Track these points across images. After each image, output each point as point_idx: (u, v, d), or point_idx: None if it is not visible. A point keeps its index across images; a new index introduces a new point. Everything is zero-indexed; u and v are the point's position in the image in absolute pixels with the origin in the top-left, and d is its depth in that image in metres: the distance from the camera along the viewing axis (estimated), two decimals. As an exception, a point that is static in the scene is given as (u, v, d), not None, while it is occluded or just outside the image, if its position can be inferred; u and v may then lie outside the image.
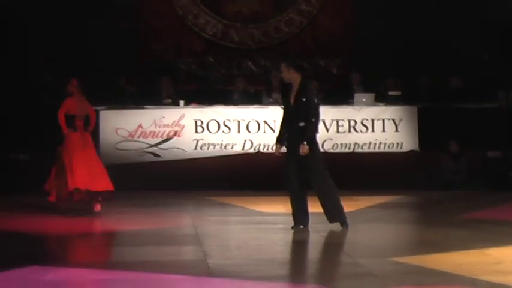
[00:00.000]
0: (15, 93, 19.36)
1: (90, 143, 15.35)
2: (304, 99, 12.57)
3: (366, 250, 11.47)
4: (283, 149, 12.83)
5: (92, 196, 15.00)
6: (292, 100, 12.65)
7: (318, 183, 12.70)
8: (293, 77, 12.65)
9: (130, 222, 14.19)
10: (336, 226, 12.68)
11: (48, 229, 13.30)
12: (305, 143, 12.42)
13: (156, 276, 9.60)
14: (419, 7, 21.59)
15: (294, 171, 12.62)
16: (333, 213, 12.68)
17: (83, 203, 15.03)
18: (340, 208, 12.74)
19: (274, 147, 13.23)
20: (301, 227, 12.65)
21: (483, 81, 20.28)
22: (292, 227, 12.69)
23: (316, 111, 12.79)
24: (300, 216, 12.68)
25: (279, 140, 12.86)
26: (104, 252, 12.36)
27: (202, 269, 9.93)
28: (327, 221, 12.64)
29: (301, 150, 12.41)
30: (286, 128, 12.78)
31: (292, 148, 12.55)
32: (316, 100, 12.79)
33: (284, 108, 12.93)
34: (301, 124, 12.53)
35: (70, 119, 15.24)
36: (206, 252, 11.12)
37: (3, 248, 11.61)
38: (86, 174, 14.88)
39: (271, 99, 18.82)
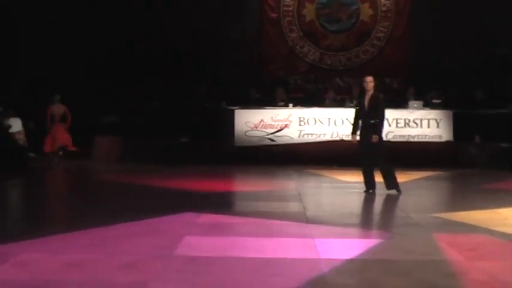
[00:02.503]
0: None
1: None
2: (375, 105, 12.50)
3: (415, 208, 11.30)
4: (357, 138, 12.74)
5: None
6: (366, 104, 12.53)
7: (381, 162, 12.58)
8: (371, 88, 12.55)
9: (253, 185, 14.22)
10: (392, 192, 12.53)
11: (194, 188, 13.36)
12: (376, 135, 12.39)
13: (270, 221, 9.61)
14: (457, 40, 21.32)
15: (365, 153, 12.52)
16: (390, 183, 12.54)
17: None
18: (395, 180, 12.57)
19: (350, 137, 13.15)
20: (370, 191, 12.53)
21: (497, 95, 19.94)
22: (364, 191, 12.59)
23: (383, 113, 12.74)
24: (369, 184, 12.58)
25: (353, 132, 12.85)
26: (234, 205, 12.44)
27: (302, 218, 9.90)
28: (386, 188, 12.52)
29: (373, 140, 12.35)
30: (358, 124, 12.68)
31: (366, 138, 12.45)
32: (383, 106, 12.72)
33: (357, 110, 12.83)
34: (372, 121, 12.46)
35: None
36: (305, 207, 11.10)
37: (165, 200, 11.79)
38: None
39: (351, 104, 18.64)
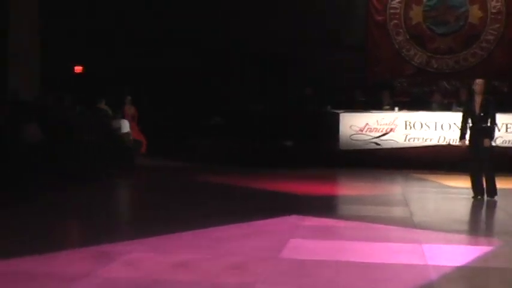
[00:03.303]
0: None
1: None
2: (487, 108, 12.22)
3: (525, 215, 11.02)
4: (466, 143, 12.43)
5: None
6: (476, 108, 12.23)
7: (488, 167, 12.24)
8: (481, 91, 12.28)
9: (358, 189, 14.13)
10: (506, 198, 12.22)
11: (299, 191, 13.35)
12: (488, 139, 12.13)
13: (376, 225, 9.52)
14: None
15: (476, 158, 12.23)
16: (493, 189, 12.24)
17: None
18: (495, 186, 12.25)
19: (459, 142, 12.82)
20: (479, 197, 12.24)
21: None
22: (472, 197, 12.30)
23: (495, 117, 12.42)
24: (478, 189, 12.29)
25: (462, 137, 12.50)
26: (339, 208, 12.38)
27: (409, 223, 9.77)
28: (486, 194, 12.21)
29: (485, 144, 12.10)
30: (467, 129, 12.41)
31: (477, 143, 12.16)
32: (495, 109, 12.43)
33: (465, 114, 12.53)
34: (484, 125, 12.19)
35: None
36: (411, 212, 10.95)
37: (270, 202, 11.83)
38: None
39: (458, 108, 18.25)
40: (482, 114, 12.22)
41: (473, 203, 12.08)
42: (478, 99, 12.30)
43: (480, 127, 12.21)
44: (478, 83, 12.36)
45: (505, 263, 7.34)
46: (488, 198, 12.21)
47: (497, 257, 7.67)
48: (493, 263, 7.34)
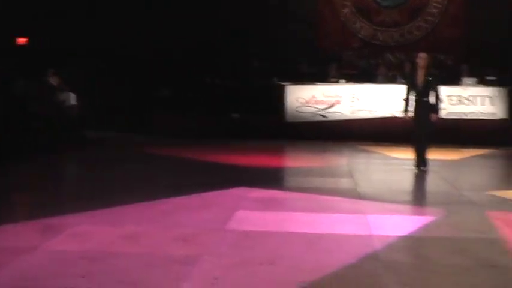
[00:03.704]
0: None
1: None
2: (431, 83, 12.30)
3: (468, 185, 11.23)
4: (409, 114, 12.45)
5: None
6: (420, 82, 12.29)
7: (428, 139, 12.41)
8: (425, 65, 12.35)
9: (304, 161, 14.22)
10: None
11: (246, 163, 13.39)
12: (435, 114, 12.28)
13: (322, 197, 9.63)
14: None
15: (419, 130, 12.35)
16: (425, 160, 12.42)
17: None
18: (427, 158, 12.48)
19: (403, 114, 12.69)
20: (422, 168, 12.44)
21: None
22: (416, 167, 12.48)
23: (439, 92, 12.47)
24: (422, 161, 12.48)
25: (406, 109, 12.49)
26: (286, 180, 12.48)
27: (354, 194, 9.91)
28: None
29: (433, 119, 12.23)
30: (410, 101, 12.45)
31: (420, 115, 12.25)
32: (439, 83, 12.55)
33: (409, 87, 12.53)
34: (426, 99, 12.25)
35: None
36: (356, 183, 11.09)
37: (217, 175, 11.86)
38: None
39: (402, 80, 18.46)
40: (425, 88, 12.30)
41: (417, 174, 12.24)
42: (421, 73, 12.38)
43: (423, 100, 12.29)
44: (422, 57, 12.44)
45: (447, 232, 7.48)
46: (422, 168, 12.37)
47: (440, 226, 7.82)
48: (436, 233, 7.48)
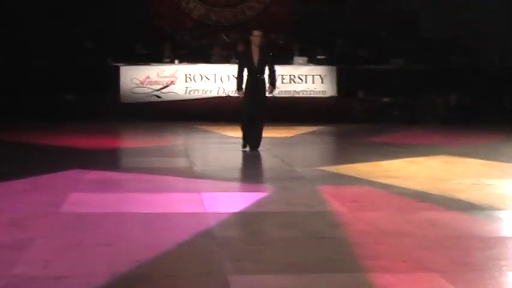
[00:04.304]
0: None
1: None
2: (267, 60, 12.30)
3: (299, 161, 11.61)
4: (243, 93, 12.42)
5: None
6: (256, 60, 12.20)
7: (263, 119, 12.41)
8: (260, 42, 12.23)
9: (140, 141, 14.20)
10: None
11: (80, 145, 13.22)
12: (273, 88, 12.34)
13: (157, 177, 9.68)
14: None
15: (249, 109, 12.23)
16: (260, 141, 12.47)
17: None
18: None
19: (237, 93, 12.70)
20: (247, 148, 12.43)
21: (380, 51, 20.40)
22: (243, 148, 12.52)
23: (275, 70, 12.51)
24: (249, 140, 12.47)
25: (239, 88, 12.41)
26: (121, 161, 12.42)
27: (189, 173, 10.01)
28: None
29: (270, 92, 12.29)
30: (243, 79, 12.37)
31: (255, 94, 12.19)
32: (274, 60, 12.64)
33: (242, 65, 12.41)
34: (263, 77, 12.27)
35: None
36: (192, 162, 11.20)
37: (51, 158, 11.66)
38: None
39: (236, 60, 18.73)
40: (260, 66, 12.24)
41: (249, 152, 12.43)
42: (256, 51, 12.29)
43: (258, 78, 12.28)
44: (256, 35, 12.30)
45: (279, 207, 7.70)
46: (257, 149, 12.37)
47: (272, 202, 8.04)
48: (268, 208, 7.68)
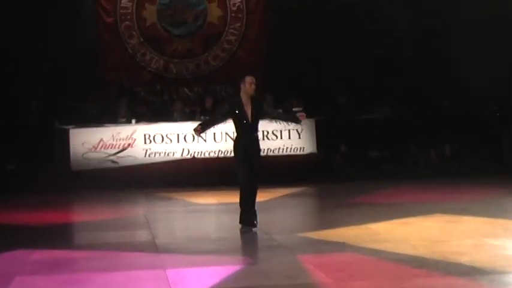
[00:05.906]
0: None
1: None
2: (263, 110, 11.24)
3: (278, 228, 11.55)
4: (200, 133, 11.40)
5: None
6: (250, 113, 10.91)
7: (257, 184, 11.23)
8: (252, 91, 11.00)
9: (95, 214, 14.12)
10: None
11: (26, 221, 13.12)
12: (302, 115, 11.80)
13: (116, 253, 9.61)
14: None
15: (251, 172, 10.98)
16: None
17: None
18: None
19: (193, 130, 11.33)
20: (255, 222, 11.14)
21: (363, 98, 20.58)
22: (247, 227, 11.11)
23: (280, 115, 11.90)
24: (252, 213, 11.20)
25: (202, 128, 11.22)
26: (74, 237, 12.33)
27: (152, 247, 9.96)
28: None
29: (303, 117, 11.67)
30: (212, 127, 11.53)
31: (252, 153, 11.01)
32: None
33: (226, 117, 11.19)
34: (256, 134, 11.23)
35: None
36: (154, 234, 11.15)
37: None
38: None
39: (203, 117, 18.78)
40: (255, 122, 11.12)
41: (223, 219, 12.38)
42: (248, 103, 11.04)
43: (255, 138, 11.21)
44: (250, 82, 11.03)
45: (256, 281, 7.65)
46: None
47: (249, 275, 8.00)
48: (242, 283, 7.64)
